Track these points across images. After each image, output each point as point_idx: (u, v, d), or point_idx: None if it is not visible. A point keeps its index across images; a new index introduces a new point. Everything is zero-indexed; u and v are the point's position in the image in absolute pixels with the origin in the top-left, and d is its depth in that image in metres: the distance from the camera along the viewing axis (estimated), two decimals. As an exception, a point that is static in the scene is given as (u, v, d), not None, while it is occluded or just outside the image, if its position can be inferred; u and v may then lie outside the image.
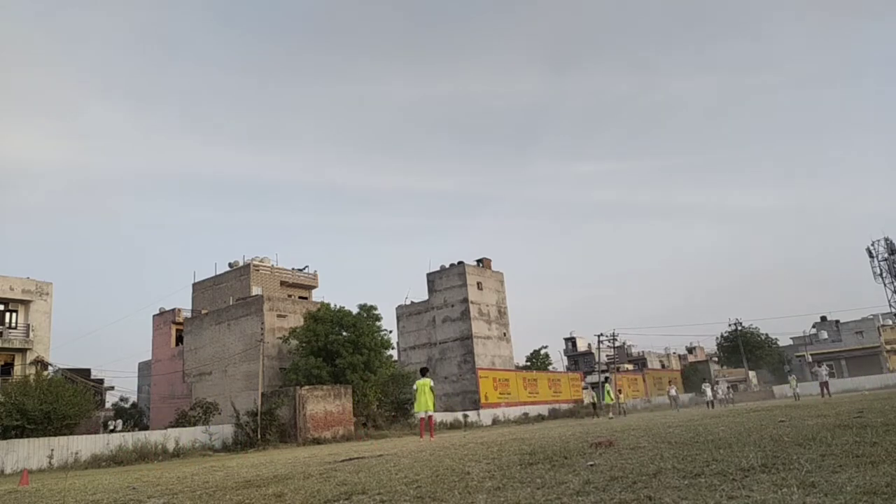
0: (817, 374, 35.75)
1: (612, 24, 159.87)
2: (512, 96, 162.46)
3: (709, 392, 41.82)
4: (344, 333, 36.03)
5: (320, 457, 12.68)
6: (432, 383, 17.45)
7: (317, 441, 29.30)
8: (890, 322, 69.59)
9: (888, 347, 67.92)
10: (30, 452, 23.61)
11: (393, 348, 41.36)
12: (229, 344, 40.62)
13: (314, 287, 52.52)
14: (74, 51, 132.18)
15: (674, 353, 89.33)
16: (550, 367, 67.19)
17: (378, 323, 37.46)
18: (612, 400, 37.64)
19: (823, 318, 74.60)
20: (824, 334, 72.33)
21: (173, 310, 49.00)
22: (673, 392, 50.44)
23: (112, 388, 50.78)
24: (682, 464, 4.93)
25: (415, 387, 18.01)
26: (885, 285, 67.31)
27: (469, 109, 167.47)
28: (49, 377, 30.41)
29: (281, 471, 8.78)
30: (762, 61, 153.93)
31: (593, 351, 71.80)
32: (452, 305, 53.53)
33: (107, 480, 11.36)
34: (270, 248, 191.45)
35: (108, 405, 48.41)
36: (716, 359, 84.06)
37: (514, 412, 46.63)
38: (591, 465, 5.36)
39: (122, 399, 49.71)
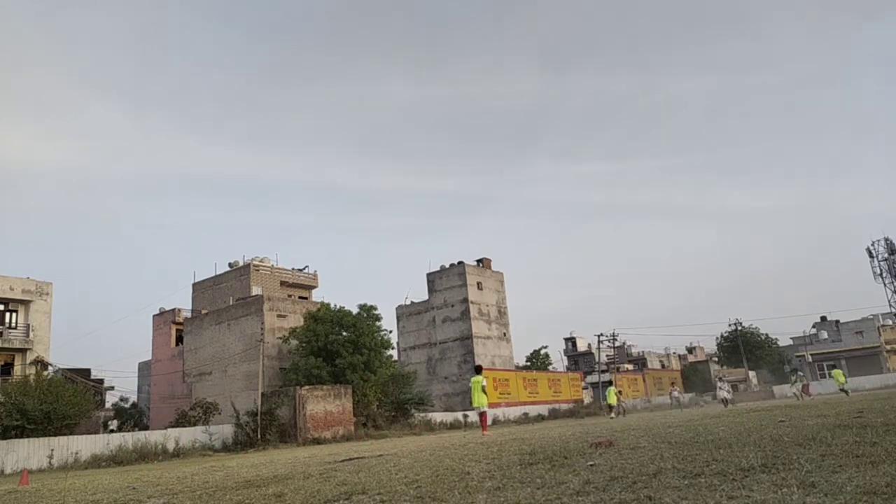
0: (800, 379, 36.59)
1: (611, 24, 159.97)
2: (512, 96, 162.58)
3: (724, 391, 41.86)
4: (344, 333, 36.02)
5: (320, 457, 12.69)
6: (485, 381, 18.38)
7: (317, 441, 29.29)
8: (890, 322, 69.56)
9: (888, 347, 67.89)
10: (30, 452, 23.60)
11: (393, 348, 41.35)
12: (229, 344, 40.62)
13: (314, 287, 52.52)
14: (74, 51, 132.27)
15: (674, 353, 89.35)
16: (550, 367, 67.19)
17: (378, 323, 37.45)
18: (615, 401, 37.80)
19: (823, 318, 74.59)
20: (824, 334, 72.31)
21: (173, 310, 49.00)
22: (675, 393, 50.59)
23: (112, 388, 50.81)
24: (682, 464, 4.94)
25: (470, 384, 19.05)
26: (885, 285, 67.34)
27: (469, 109, 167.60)
28: (49, 377, 30.40)
29: (281, 471, 8.79)
30: (762, 61, 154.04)
31: (593, 351, 71.84)
32: (452, 305, 53.53)
33: (107, 480, 11.37)
34: (270, 248, 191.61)
35: (108, 405, 48.41)
36: (716, 359, 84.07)
37: (514, 412, 46.62)
38: (591, 465, 5.36)
39: (122, 399, 49.70)
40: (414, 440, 21.67)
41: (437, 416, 39.78)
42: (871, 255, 68.44)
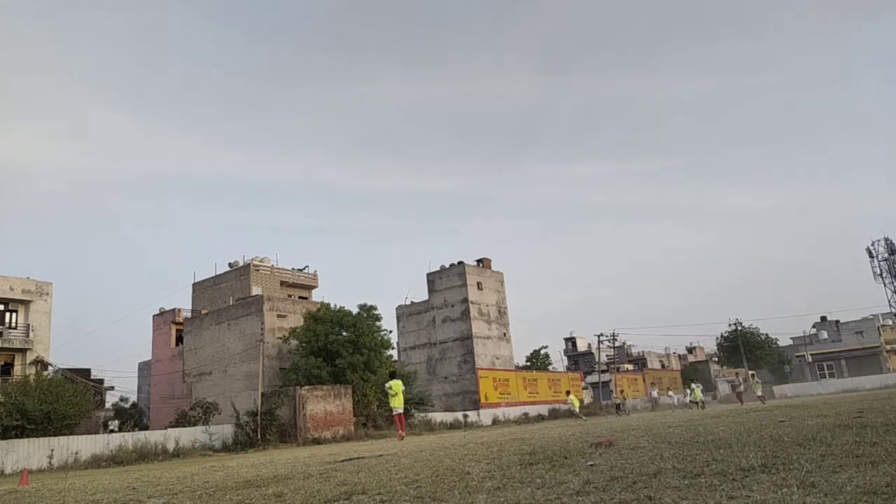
0: (734, 385, 37.66)
1: (611, 23, 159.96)
2: (511, 96, 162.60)
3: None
4: (344, 333, 36.02)
5: (320, 457, 12.69)
6: (403, 386, 19.26)
7: (317, 441, 29.29)
8: (890, 322, 69.56)
9: (888, 347, 67.88)
10: (30, 452, 23.59)
11: (393, 348, 41.35)
12: (229, 344, 40.62)
13: (314, 287, 52.52)
14: (74, 51, 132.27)
15: (674, 353, 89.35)
16: (550, 367, 67.18)
17: (378, 323, 37.45)
18: (578, 406, 38.36)
19: (823, 318, 74.59)
20: (824, 334, 72.31)
21: (173, 310, 48.99)
22: (654, 393, 51.41)
23: (112, 388, 50.81)
24: (682, 464, 4.93)
25: (389, 388, 19.88)
26: (885, 285, 67.36)
27: (469, 109, 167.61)
28: (49, 377, 30.40)
29: (281, 471, 8.79)
30: (762, 61, 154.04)
31: (593, 351, 71.84)
32: (452, 305, 53.52)
33: (107, 480, 11.36)
34: (270, 248, 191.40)
35: (108, 405, 48.41)
36: (716, 359, 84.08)
37: (514, 412, 46.62)
38: (591, 465, 5.36)
39: (122, 399, 49.70)
40: (414, 440, 21.67)
41: (437, 416, 39.78)
42: (871, 255, 68.48)
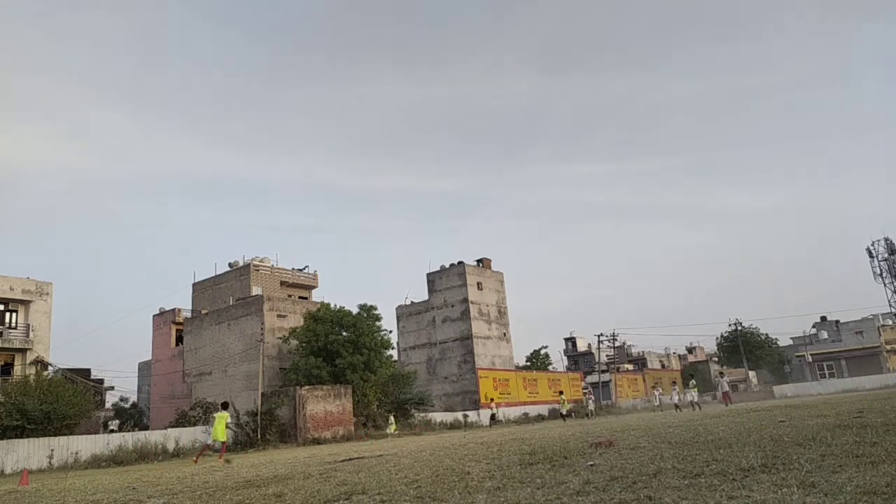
0: (720, 385, 36.58)
1: (611, 24, 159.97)
2: (511, 96, 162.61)
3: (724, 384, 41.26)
4: (344, 333, 36.02)
5: (320, 457, 12.70)
6: (229, 418, 20.26)
7: (317, 441, 29.29)
8: (890, 322, 69.57)
9: (888, 347, 67.89)
10: (30, 452, 23.59)
11: (393, 348, 41.34)
12: (229, 344, 40.62)
13: (314, 287, 52.53)
14: (74, 51, 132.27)
15: (674, 353, 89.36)
16: (550, 367, 67.20)
17: (378, 323, 37.44)
18: (567, 408, 38.20)
19: (823, 318, 74.60)
20: (824, 334, 72.33)
21: (173, 310, 49.00)
22: (657, 393, 50.73)
23: (112, 388, 50.82)
24: (682, 464, 4.93)
25: (215, 417, 20.23)
26: (885, 285, 67.33)
27: (468, 109, 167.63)
28: (49, 377, 30.38)
29: (281, 471, 8.79)
30: (762, 61, 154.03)
31: (593, 351, 71.85)
32: (452, 305, 53.53)
33: (107, 480, 11.36)
34: (270, 248, 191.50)
35: (108, 405, 48.42)
36: (716, 359, 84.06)
37: (514, 412, 46.62)
38: (591, 465, 5.36)
39: (122, 399, 49.74)
40: (414, 440, 21.67)
41: (437, 416, 39.79)
42: (871, 255, 68.47)
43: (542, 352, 68.79)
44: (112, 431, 31.59)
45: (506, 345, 55.22)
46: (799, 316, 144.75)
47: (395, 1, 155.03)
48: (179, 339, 46.40)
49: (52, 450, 24.07)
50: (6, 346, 33.80)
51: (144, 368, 53.77)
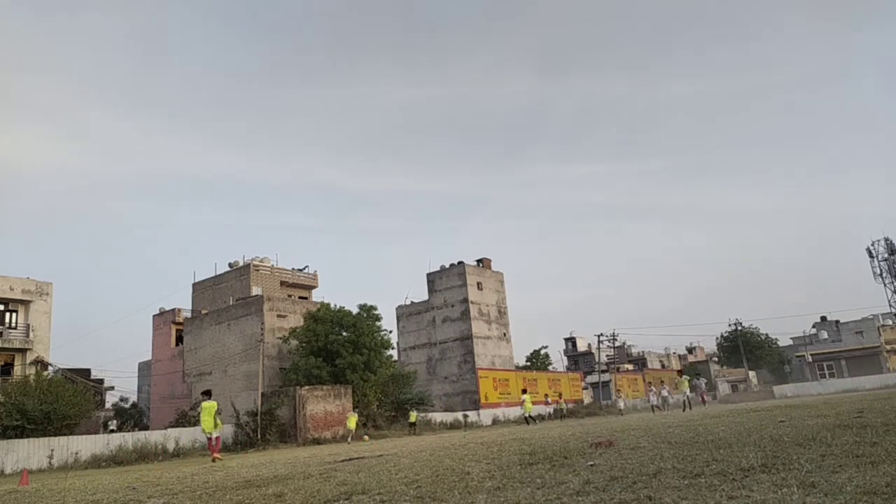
0: (697, 387, 35.15)
1: (611, 24, 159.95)
2: (511, 97, 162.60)
3: (653, 396, 39.62)
4: (344, 333, 36.02)
5: (320, 457, 12.70)
6: (217, 406, 18.10)
7: (317, 441, 29.30)
8: (890, 322, 69.57)
9: (888, 347, 67.89)
10: (30, 452, 23.59)
11: (393, 348, 41.35)
12: (229, 344, 40.62)
13: (314, 287, 52.53)
14: (74, 51, 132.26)
15: (674, 353, 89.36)
16: (550, 367, 67.19)
17: (378, 323, 37.46)
18: (531, 409, 36.82)
19: (823, 318, 74.61)
20: (824, 334, 72.35)
21: (173, 310, 49.00)
22: (665, 392, 49.53)
23: (112, 388, 50.81)
24: (682, 464, 4.93)
25: (201, 408, 18.44)
26: (885, 285, 67.35)
27: (468, 110, 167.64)
28: (49, 377, 30.38)
29: (281, 471, 8.79)
30: (762, 61, 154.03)
31: (593, 351, 71.83)
32: (452, 305, 53.52)
33: (107, 480, 11.36)
34: (270, 248, 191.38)
35: (108, 405, 48.41)
36: (716, 359, 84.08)
37: (515, 412, 46.59)
38: (591, 465, 5.36)
39: (122, 399, 49.70)
40: (414, 440, 21.67)
41: (437, 416, 39.78)
42: (871, 255, 68.47)
43: (542, 352, 68.81)
44: (112, 431, 31.58)
45: (506, 345, 55.21)
46: (799, 316, 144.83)
47: (395, 1, 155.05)
48: (179, 339, 46.40)
49: (52, 450, 24.07)
50: (6, 346, 33.80)
51: (144, 368, 53.77)
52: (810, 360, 68.57)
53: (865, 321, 70.62)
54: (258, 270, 48.36)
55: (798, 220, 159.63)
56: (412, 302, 56.95)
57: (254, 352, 37.06)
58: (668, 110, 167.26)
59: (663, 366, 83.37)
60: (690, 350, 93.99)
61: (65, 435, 25.56)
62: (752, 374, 72.75)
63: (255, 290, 45.91)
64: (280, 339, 38.62)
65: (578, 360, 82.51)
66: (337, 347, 34.90)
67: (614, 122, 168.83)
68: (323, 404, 31.67)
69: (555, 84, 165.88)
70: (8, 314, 34.90)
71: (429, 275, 55.99)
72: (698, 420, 12.79)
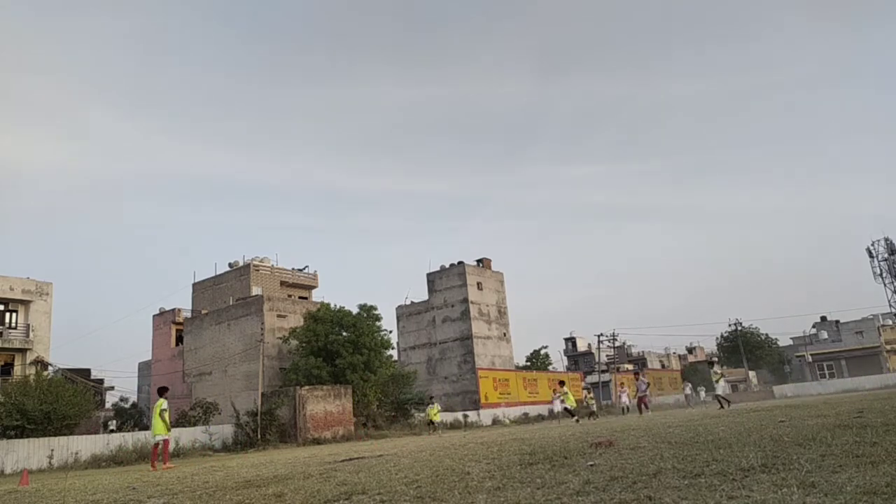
0: (639, 387, 30.82)
1: (611, 24, 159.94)
2: (511, 97, 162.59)
3: (625, 396, 37.65)
4: (344, 333, 36.02)
5: (320, 457, 12.71)
6: (165, 404, 15.79)
7: (317, 441, 29.29)
8: (890, 322, 69.57)
9: (888, 347, 67.88)
10: (30, 452, 23.59)
11: (393, 348, 41.35)
12: (229, 344, 40.61)
13: (314, 287, 52.53)
14: (74, 51, 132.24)
15: (674, 353, 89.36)
16: (550, 367, 67.18)
17: (378, 323, 37.46)
18: (437, 417, 35.86)
19: (823, 318, 74.60)
20: (824, 334, 72.34)
21: (173, 310, 49.00)
22: (688, 390, 46.93)
23: (112, 388, 50.80)
24: (682, 464, 4.93)
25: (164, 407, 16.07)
26: (885, 285, 67.36)
27: (468, 110, 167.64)
28: (49, 377, 30.38)
29: (281, 471, 8.79)
30: (762, 61, 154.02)
31: (593, 351, 71.85)
32: (452, 305, 53.52)
33: (107, 480, 11.36)
34: (270, 248, 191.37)
35: (108, 405, 48.39)
36: (716, 359, 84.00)
37: (514, 412, 46.61)
38: (591, 465, 5.36)
39: (122, 399, 49.65)
40: (414, 440, 21.67)
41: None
42: (871, 255, 68.48)
43: (542, 352, 68.79)
44: (112, 431, 31.57)
45: (506, 345, 55.22)
46: (799, 316, 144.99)
47: (395, 1, 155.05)
48: (179, 339, 46.40)
49: (52, 450, 24.07)
50: (6, 346, 33.80)
51: (144, 368, 53.77)
52: (810, 360, 68.57)
53: (865, 321, 70.62)
54: (258, 270, 48.36)
55: (798, 220, 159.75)
56: (412, 302, 56.96)
57: (254, 352, 37.06)
58: (668, 110, 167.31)
59: (663, 366, 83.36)
60: (690, 350, 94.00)
61: (65, 435, 25.56)
62: (752, 374, 72.74)
63: (255, 290, 45.91)
64: (280, 339, 38.62)
65: (578, 360, 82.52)
66: (337, 347, 34.90)
67: (614, 122, 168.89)
68: (323, 404, 31.67)
69: (555, 84, 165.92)
70: (8, 314, 34.90)
71: (429, 275, 55.99)
72: (698, 420, 12.78)
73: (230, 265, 50.09)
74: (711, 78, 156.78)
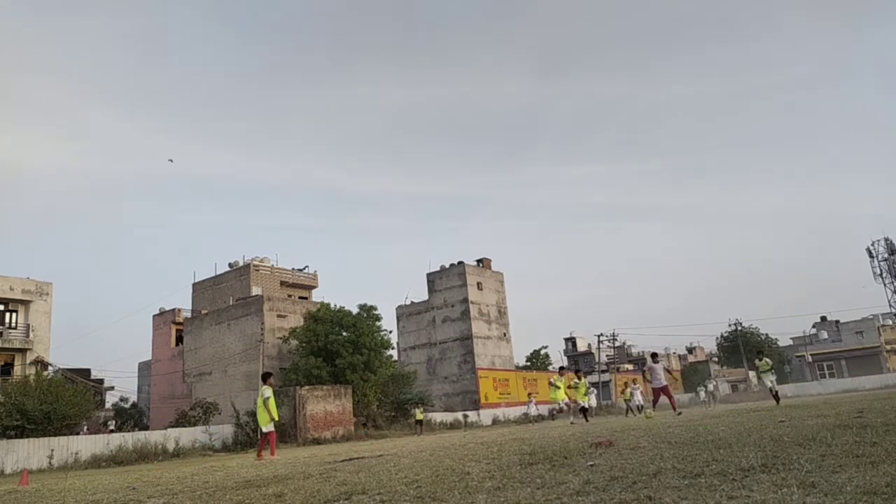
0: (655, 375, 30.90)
1: (611, 24, 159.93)
2: (511, 97, 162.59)
3: (703, 393, 39.65)
4: (344, 333, 36.04)
5: (320, 457, 12.70)
6: (268, 392, 14.14)
7: (317, 441, 29.30)
8: (890, 322, 69.57)
9: (888, 347, 67.89)
10: (30, 452, 23.60)
11: (393, 348, 41.37)
12: (229, 344, 40.62)
13: (314, 287, 52.55)
14: (74, 51, 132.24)
15: (674, 353, 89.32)
16: (550, 368, 67.17)
17: (378, 323, 37.49)
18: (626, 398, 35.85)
19: (823, 318, 74.60)
20: (824, 334, 72.33)
21: (173, 310, 49.01)
22: (711, 387, 46.40)
23: (112, 388, 50.88)
24: (682, 464, 4.93)
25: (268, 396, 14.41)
26: (885, 285, 67.38)
27: (468, 110, 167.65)
28: (49, 377, 30.39)
29: (281, 471, 8.78)
30: (762, 61, 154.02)
31: (593, 351, 71.85)
32: (452, 305, 53.53)
33: (107, 480, 11.36)
34: (270, 248, 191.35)
35: (108, 405, 48.43)
36: (716, 359, 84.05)
37: (514, 412, 46.60)
38: (591, 465, 5.36)
39: (122, 399, 49.76)
40: (414, 440, 21.67)
41: (437, 416, 39.80)
42: (871, 255, 68.50)
43: (542, 352, 68.83)
44: (112, 431, 31.59)
45: (506, 345, 55.23)
46: (799, 316, 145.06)
47: (395, 1, 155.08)
48: (179, 339, 46.42)
49: (52, 450, 24.09)
50: (6, 346, 33.81)
51: (144, 368, 53.78)
52: (810, 360, 68.58)
53: (865, 321, 70.63)
54: (258, 270, 48.37)
55: (798, 220, 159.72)
56: (412, 302, 56.97)
57: (254, 352, 37.06)
58: (668, 110, 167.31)
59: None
60: (690, 350, 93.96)
61: (65, 435, 25.57)
62: (752, 374, 72.69)
63: (255, 290, 45.92)
64: (280, 339, 38.62)
65: (578, 360, 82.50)
66: (337, 347, 34.91)
67: (614, 122, 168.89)
68: (323, 404, 31.67)
69: (555, 84, 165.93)
70: (8, 314, 34.90)
71: (429, 275, 56.00)
72: (698, 420, 12.78)
73: (230, 265, 50.10)
74: (711, 78, 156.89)
